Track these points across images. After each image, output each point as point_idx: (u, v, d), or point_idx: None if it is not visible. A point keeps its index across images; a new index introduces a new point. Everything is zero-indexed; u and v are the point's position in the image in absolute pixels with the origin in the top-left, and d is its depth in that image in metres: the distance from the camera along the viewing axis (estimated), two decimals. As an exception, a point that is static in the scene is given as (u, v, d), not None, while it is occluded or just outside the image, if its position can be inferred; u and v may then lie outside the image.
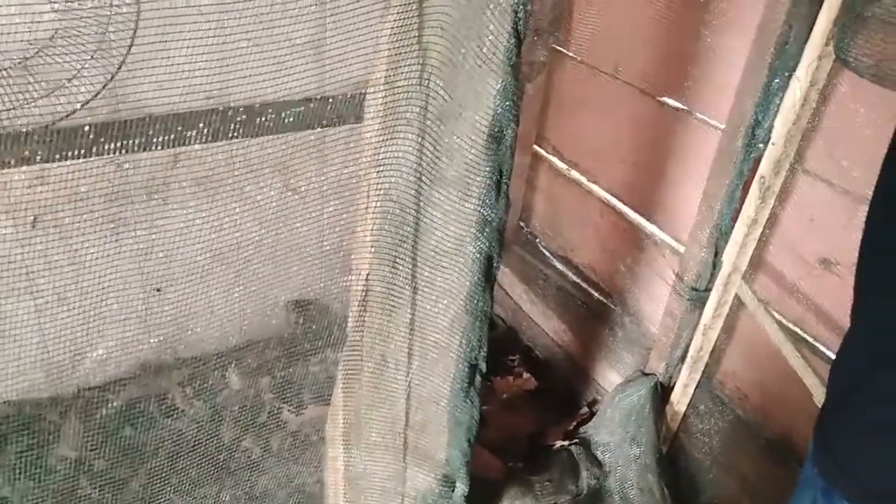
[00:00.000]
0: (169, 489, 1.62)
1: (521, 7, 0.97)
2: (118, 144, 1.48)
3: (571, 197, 2.30)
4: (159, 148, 1.53)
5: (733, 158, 1.55)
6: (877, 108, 1.34)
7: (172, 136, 1.50)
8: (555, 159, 2.34)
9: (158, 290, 1.79)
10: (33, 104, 1.38)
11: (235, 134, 1.56)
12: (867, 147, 1.38)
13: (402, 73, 1.08)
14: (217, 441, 1.73)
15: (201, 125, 1.50)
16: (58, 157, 1.44)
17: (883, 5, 1.25)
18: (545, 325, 2.40)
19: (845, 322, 1.50)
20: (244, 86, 1.52)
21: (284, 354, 1.90)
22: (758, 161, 1.54)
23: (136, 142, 1.49)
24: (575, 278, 2.34)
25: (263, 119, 1.55)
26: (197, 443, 1.68)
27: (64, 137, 1.43)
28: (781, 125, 1.47)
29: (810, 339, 1.57)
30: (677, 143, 1.87)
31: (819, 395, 1.47)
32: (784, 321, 1.61)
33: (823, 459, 0.82)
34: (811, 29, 1.38)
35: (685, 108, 1.82)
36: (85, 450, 1.67)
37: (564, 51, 2.19)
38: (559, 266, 2.41)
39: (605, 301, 2.22)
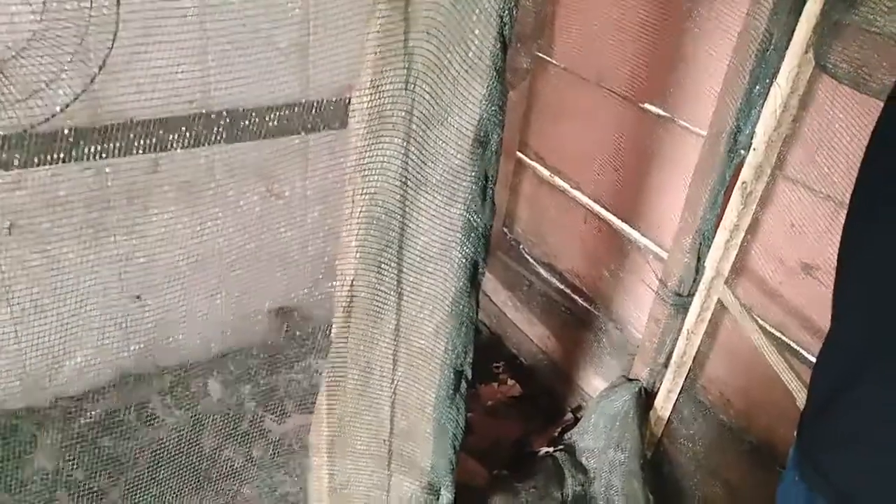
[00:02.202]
0: (149, 500, 1.59)
1: (506, 12, 0.97)
2: (98, 149, 1.46)
3: (555, 203, 2.31)
4: (140, 152, 1.51)
5: (715, 164, 1.57)
6: (855, 114, 1.36)
7: (153, 141, 1.48)
8: (538, 165, 2.35)
9: (138, 297, 1.76)
10: (11, 108, 1.35)
11: (218, 138, 1.55)
12: (847, 152, 1.40)
13: (388, 77, 1.07)
14: (198, 451, 1.70)
15: (183, 129, 1.49)
16: (36, 161, 1.42)
17: (860, 13, 1.28)
18: (529, 331, 2.40)
19: (827, 326, 1.53)
20: (227, 90, 1.51)
21: (268, 362, 1.88)
22: (739, 167, 1.55)
23: (117, 146, 1.47)
24: (559, 284, 2.35)
25: (247, 123, 1.54)
26: (178, 453, 1.65)
27: (42, 142, 1.40)
28: (762, 131, 1.49)
29: (793, 344, 1.58)
30: (660, 149, 1.88)
31: (802, 399, 1.48)
32: (766, 326, 1.62)
33: (805, 466, 0.82)
34: (791, 36, 1.40)
35: (667, 114, 1.83)
36: (63, 461, 1.64)
37: (547, 57, 2.20)
38: (543, 272, 2.41)
39: (589, 307, 2.22)
